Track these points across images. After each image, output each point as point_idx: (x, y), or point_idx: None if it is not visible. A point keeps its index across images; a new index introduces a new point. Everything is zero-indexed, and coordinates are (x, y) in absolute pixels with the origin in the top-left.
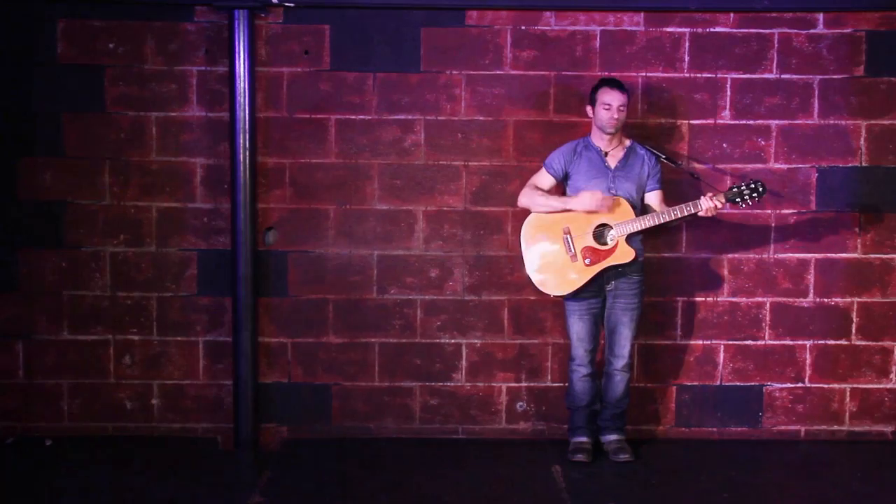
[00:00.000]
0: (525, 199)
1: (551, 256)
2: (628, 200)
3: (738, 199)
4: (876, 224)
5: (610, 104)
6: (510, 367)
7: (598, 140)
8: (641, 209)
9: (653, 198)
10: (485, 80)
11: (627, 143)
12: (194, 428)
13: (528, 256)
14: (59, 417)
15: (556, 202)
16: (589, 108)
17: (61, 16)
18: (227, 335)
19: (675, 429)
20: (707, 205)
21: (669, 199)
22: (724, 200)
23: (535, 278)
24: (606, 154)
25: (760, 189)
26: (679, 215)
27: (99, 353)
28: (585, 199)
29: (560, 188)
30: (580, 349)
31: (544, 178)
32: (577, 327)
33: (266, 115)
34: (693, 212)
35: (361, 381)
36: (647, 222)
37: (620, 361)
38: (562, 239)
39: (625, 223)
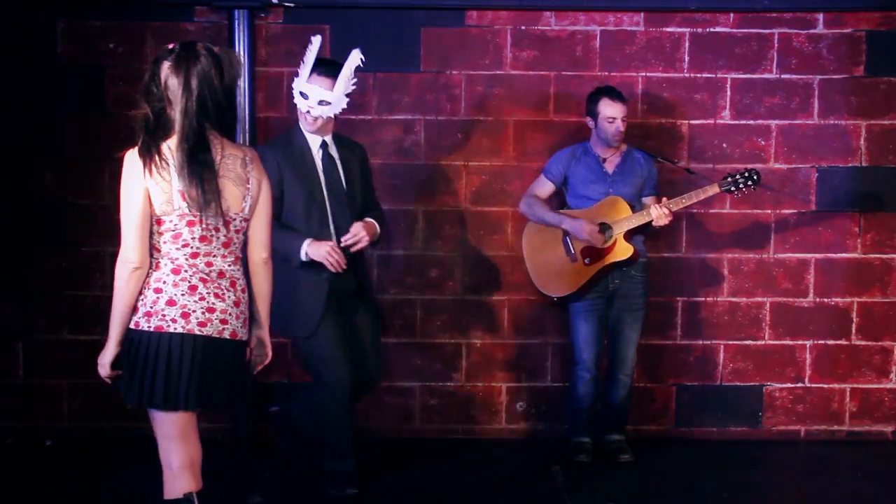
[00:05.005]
0: (525, 207)
1: (552, 258)
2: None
3: (732, 188)
4: (876, 224)
5: (614, 118)
6: (510, 367)
7: (598, 147)
8: None
9: (649, 203)
10: (485, 80)
11: (624, 147)
12: None
13: (530, 260)
14: (59, 417)
15: (551, 218)
16: (589, 120)
17: (61, 16)
18: None
19: (675, 429)
20: (656, 213)
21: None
22: (718, 190)
23: (538, 281)
24: (605, 160)
25: (755, 177)
26: (640, 222)
27: (99, 354)
28: (580, 227)
29: (560, 195)
30: (586, 352)
31: (544, 185)
32: (583, 329)
33: (266, 115)
34: (647, 220)
35: None
36: (643, 218)
37: (624, 366)
38: (561, 241)
39: (622, 221)
